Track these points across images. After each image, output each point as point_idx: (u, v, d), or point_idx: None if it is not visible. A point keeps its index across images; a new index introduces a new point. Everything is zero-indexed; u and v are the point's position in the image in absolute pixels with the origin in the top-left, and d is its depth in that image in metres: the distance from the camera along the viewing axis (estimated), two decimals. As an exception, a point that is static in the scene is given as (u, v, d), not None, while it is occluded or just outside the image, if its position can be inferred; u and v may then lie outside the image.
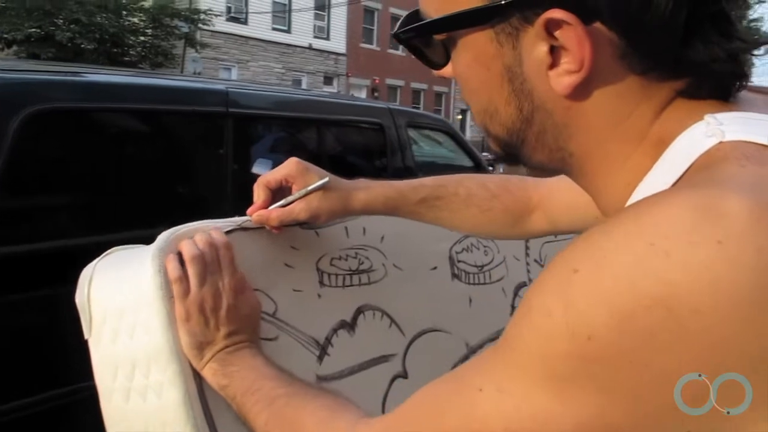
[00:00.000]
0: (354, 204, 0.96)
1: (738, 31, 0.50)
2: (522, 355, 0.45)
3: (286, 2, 23.46)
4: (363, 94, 26.08)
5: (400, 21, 0.61)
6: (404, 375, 1.10)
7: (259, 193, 0.94)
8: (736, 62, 0.50)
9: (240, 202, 2.68)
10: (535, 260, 1.52)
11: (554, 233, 1.02)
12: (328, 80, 25.40)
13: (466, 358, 1.24)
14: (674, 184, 0.47)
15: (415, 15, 0.59)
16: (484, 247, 1.37)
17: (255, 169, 3.04)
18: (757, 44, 0.51)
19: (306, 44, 24.22)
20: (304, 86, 23.07)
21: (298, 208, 0.92)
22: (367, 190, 0.97)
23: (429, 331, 1.17)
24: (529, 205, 1.01)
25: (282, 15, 23.37)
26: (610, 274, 0.41)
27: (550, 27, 0.49)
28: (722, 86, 0.51)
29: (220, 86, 2.67)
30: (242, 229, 0.93)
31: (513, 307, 1.39)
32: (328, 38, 25.25)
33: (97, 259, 0.92)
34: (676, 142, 0.50)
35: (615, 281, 0.40)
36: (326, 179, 0.93)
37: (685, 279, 0.39)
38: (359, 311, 1.05)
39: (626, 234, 0.42)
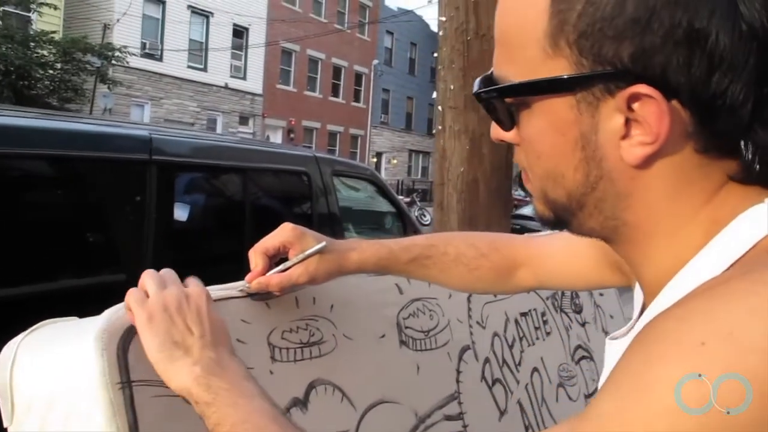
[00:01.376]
0: (348, 265, 0.97)
1: None
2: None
3: (203, 40, 23.26)
4: (279, 135, 26.04)
5: (480, 79, 0.62)
6: (357, 453, 1.05)
7: (257, 260, 0.93)
8: None
9: (161, 252, 2.58)
10: (477, 322, 1.50)
11: (539, 288, 1.09)
12: (243, 120, 25.21)
13: (415, 428, 1.20)
14: (733, 264, 0.51)
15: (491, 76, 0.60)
16: (429, 311, 1.34)
17: (176, 215, 2.94)
18: None
19: (222, 83, 24.02)
20: (219, 125, 22.82)
21: (297, 272, 0.92)
22: (360, 250, 0.99)
23: (379, 403, 1.13)
24: (516, 262, 1.05)
25: (198, 53, 23.15)
26: (743, 345, 0.42)
27: (631, 100, 0.51)
28: None
29: (143, 132, 2.58)
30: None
31: (458, 372, 1.37)
32: (244, 78, 25.14)
33: (22, 335, 0.82)
34: (734, 223, 0.53)
35: (749, 353, 0.41)
36: (323, 243, 0.94)
37: None
38: (311, 387, 1.00)
39: (750, 309, 0.43)
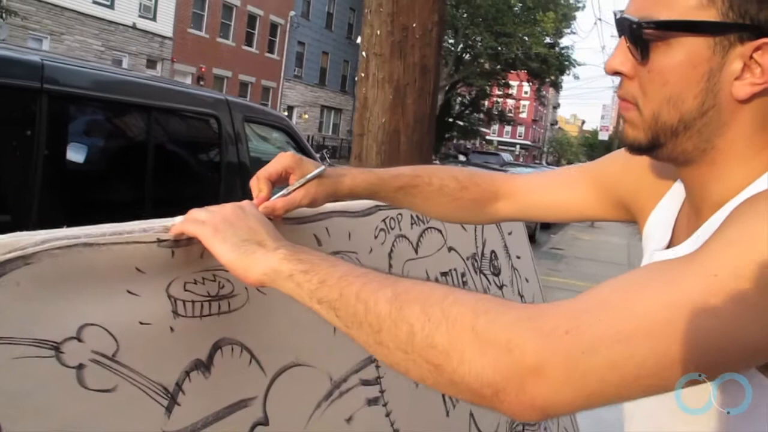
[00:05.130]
0: (342, 189, 1.02)
1: None
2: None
3: (110, -26, 21.93)
4: (188, 82, 25.04)
5: (621, 15, 0.76)
6: (265, 422, 0.93)
7: (261, 186, 0.95)
8: None
9: (50, 193, 2.35)
10: (398, 279, 1.41)
11: (519, 219, 1.22)
12: (151, 63, 24.08)
13: (329, 395, 1.09)
14: None
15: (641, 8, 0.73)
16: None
17: (70, 156, 2.69)
18: None
19: (130, 23, 22.77)
20: (125, 68, 21.70)
21: (299, 195, 0.96)
22: (352, 176, 1.04)
23: (291, 366, 1.01)
24: (496, 195, 1.15)
25: (105, -12, 21.81)
26: None
27: (756, 50, 0.68)
28: None
29: (34, 57, 2.31)
30: (82, 245, 0.71)
31: (377, 333, 1.27)
32: (154, 19, 23.92)
33: None
34: None
35: None
36: (323, 167, 0.99)
37: None
38: (216, 347, 0.87)
39: None
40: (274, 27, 30.57)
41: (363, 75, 2.52)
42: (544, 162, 62.06)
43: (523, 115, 75.20)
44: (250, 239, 0.77)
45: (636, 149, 0.79)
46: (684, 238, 0.80)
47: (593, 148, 68.00)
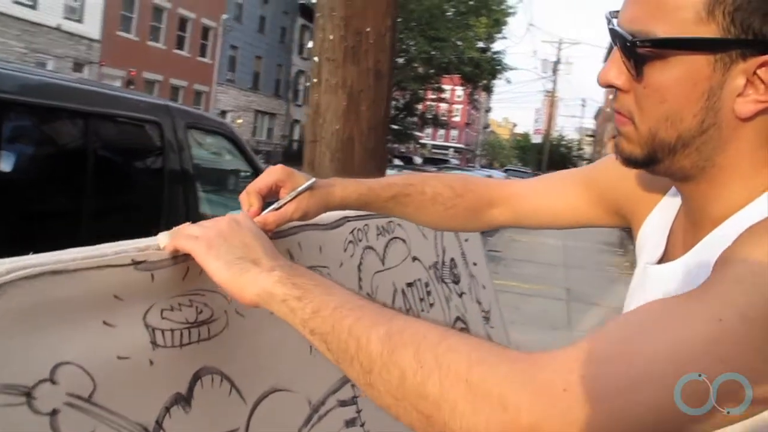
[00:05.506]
0: (333, 200, 1.00)
1: None
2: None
3: (32, -26, 21.13)
4: (117, 86, 24.34)
5: (614, 28, 0.72)
6: (248, 455, 0.86)
7: (251, 200, 0.93)
8: None
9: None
10: (368, 293, 1.37)
11: (514, 226, 1.17)
12: (78, 67, 23.28)
13: (309, 420, 1.03)
14: None
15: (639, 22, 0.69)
16: (321, 280, 1.18)
17: None
18: None
19: (54, 24, 21.96)
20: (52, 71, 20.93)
21: (290, 209, 0.95)
22: (342, 187, 1.02)
23: (271, 392, 0.95)
24: (491, 202, 1.14)
25: (27, -12, 20.99)
26: None
27: (759, 66, 0.65)
28: None
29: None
30: (51, 273, 0.64)
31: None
32: (80, 21, 23.15)
33: None
34: None
35: None
36: (313, 180, 0.98)
37: None
38: (196, 377, 0.80)
39: None
40: (206, 30, 30.05)
41: (315, 80, 2.45)
42: (477, 165, 62.90)
43: (457, 119, 76.12)
44: (244, 257, 0.74)
45: (632, 163, 0.77)
46: (680, 251, 0.78)
47: (525, 150, 69.24)
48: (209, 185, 4.27)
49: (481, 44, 31.99)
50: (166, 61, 27.53)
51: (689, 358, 0.54)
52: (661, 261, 0.84)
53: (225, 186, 4.55)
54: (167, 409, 0.74)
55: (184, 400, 0.77)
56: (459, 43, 30.68)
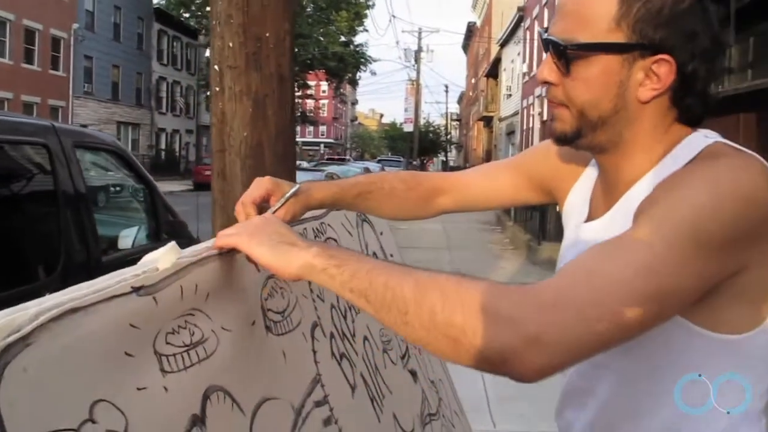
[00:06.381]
0: (312, 202, 1.16)
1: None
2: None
3: None
4: (-38, 108, 22.60)
5: (545, 36, 0.95)
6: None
7: (248, 210, 1.04)
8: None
9: None
10: (318, 295, 1.39)
11: (458, 210, 1.38)
12: None
13: (295, 425, 1.05)
14: (688, 164, 0.89)
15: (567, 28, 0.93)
16: (281, 288, 1.20)
17: None
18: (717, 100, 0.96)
19: None
20: None
21: (282, 213, 1.07)
22: (317, 189, 1.17)
23: (263, 402, 0.96)
24: (437, 191, 1.34)
25: None
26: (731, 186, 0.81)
27: (654, 63, 0.89)
28: (698, 119, 0.96)
29: None
30: (72, 310, 0.63)
31: (314, 352, 1.24)
32: None
33: None
34: (684, 142, 0.94)
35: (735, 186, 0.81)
36: (298, 185, 1.11)
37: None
38: (206, 397, 0.81)
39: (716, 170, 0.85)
40: (56, 41, 28.39)
41: (217, 89, 2.41)
42: (350, 158, 63.10)
43: (324, 114, 76.10)
44: (283, 241, 0.86)
45: (562, 140, 0.99)
46: (602, 211, 1.02)
47: (395, 139, 70.08)
48: (102, 202, 4.10)
49: (343, 38, 32.16)
50: (15, 76, 25.80)
51: (636, 273, 0.74)
52: (587, 221, 1.07)
53: (118, 204, 4.39)
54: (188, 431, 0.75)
55: (200, 421, 0.78)
56: (321, 38, 30.71)
